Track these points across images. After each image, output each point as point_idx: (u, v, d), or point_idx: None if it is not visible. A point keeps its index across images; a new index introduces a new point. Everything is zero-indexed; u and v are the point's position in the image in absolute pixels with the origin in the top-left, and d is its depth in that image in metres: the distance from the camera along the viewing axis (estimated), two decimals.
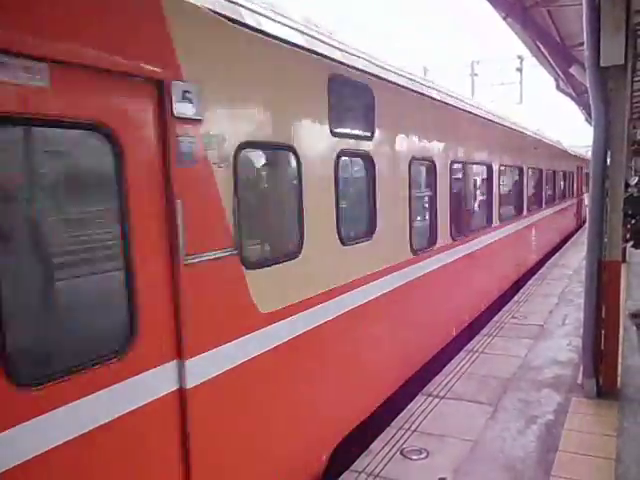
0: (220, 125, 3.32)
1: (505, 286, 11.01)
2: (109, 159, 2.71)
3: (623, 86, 5.53)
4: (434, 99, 6.84)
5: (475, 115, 8.56)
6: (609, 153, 5.64)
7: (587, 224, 5.89)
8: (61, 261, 2.81)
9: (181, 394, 3.02)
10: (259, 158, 4.20)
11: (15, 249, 2.53)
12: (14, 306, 2.35)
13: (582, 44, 5.82)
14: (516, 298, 10.74)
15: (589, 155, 5.87)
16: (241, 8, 3.62)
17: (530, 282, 12.35)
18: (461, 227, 8.01)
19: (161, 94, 2.89)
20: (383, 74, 5.47)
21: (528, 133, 13.26)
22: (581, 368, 6.13)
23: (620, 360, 6.07)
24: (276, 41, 3.85)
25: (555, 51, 10.95)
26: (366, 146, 5.13)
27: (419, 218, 6.77)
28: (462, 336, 7.80)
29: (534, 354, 7.31)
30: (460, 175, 8.41)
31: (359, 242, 5.06)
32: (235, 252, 3.41)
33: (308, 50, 4.23)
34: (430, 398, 5.93)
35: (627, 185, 8.03)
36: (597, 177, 5.67)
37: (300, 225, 4.12)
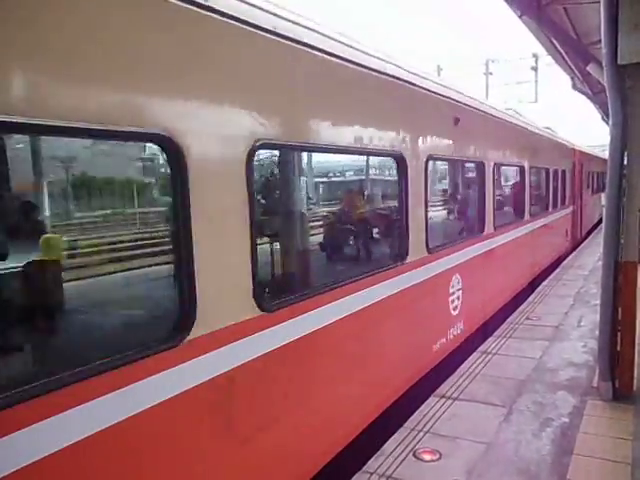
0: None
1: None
2: None
3: None
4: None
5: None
6: (626, 152, 5.56)
7: (604, 224, 5.81)
8: None
9: None
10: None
11: None
12: None
13: (599, 42, 5.73)
14: (531, 299, 10.64)
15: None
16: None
17: (545, 283, 12.22)
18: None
19: None
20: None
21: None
22: (597, 371, 6.05)
23: (636, 363, 5.97)
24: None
25: (571, 49, 10.84)
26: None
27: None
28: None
29: (549, 356, 7.23)
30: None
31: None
32: None
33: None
34: (443, 399, 5.89)
35: None
36: (614, 176, 5.59)
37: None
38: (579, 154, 17.97)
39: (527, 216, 10.89)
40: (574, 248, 17.42)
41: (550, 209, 13.42)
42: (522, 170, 10.60)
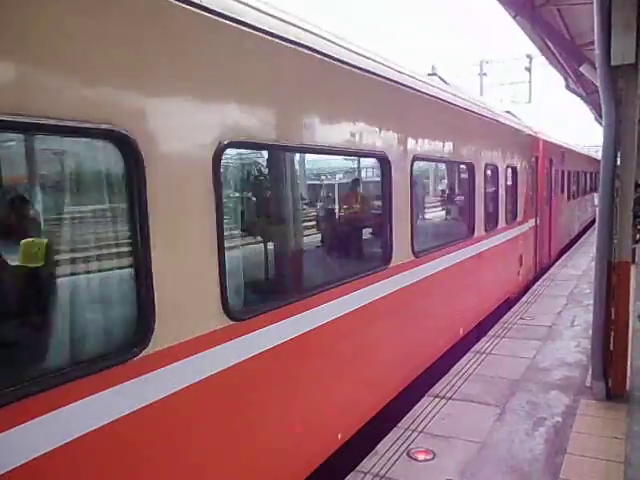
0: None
1: None
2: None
3: (634, 85, 5.47)
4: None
5: None
6: (619, 153, 5.59)
7: (597, 224, 5.84)
8: None
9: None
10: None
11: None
12: None
13: (592, 43, 5.75)
14: (524, 299, 10.68)
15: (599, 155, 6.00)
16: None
17: (539, 283, 12.27)
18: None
19: None
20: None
21: None
22: (590, 370, 6.08)
23: (629, 362, 6.00)
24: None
25: (565, 50, 10.88)
26: None
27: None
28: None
29: (542, 355, 7.26)
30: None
31: None
32: None
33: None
34: (437, 399, 5.90)
35: (637, 185, 7.95)
36: (607, 177, 5.61)
37: None
38: (545, 145, 12.99)
39: (406, 257, 5.86)
40: (537, 278, 12.62)
41: (478, 233, 8.27)
42: (387, 167, 5.40)
